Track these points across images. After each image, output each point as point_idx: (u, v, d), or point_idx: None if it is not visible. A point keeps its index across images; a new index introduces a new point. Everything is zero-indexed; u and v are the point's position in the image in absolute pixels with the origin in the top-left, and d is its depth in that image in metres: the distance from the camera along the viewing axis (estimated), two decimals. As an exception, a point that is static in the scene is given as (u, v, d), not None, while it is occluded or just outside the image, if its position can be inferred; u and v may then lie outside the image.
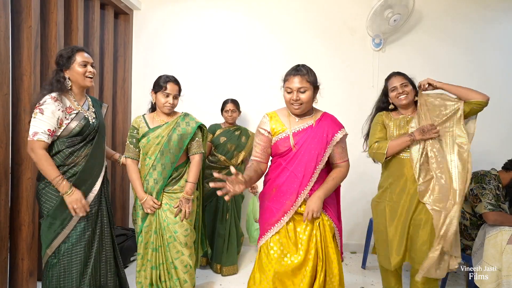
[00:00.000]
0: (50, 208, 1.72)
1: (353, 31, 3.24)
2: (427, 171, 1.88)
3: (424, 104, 1.97)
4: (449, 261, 1.83)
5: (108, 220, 1.92)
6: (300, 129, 1.68)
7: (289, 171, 1.66)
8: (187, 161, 2.12)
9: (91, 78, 1.81)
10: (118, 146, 3.30)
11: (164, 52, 3.40)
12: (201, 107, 3.20)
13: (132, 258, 2.90)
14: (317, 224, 1.65)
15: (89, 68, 1.80)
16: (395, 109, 2.07)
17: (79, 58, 1.77)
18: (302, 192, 1.64)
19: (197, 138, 2.11)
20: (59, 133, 1.71)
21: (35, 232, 2.24)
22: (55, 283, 1.73)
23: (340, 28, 3.25)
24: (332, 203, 1.76)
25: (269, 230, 1.68)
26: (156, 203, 1.99)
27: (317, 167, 1.64)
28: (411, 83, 2.02)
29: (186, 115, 2.13)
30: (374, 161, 2.13)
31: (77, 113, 1.76)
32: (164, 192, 2.03)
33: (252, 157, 1.76)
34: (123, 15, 3.35)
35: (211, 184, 1.42)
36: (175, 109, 2.11)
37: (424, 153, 1.88)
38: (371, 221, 2.86)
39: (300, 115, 1.71)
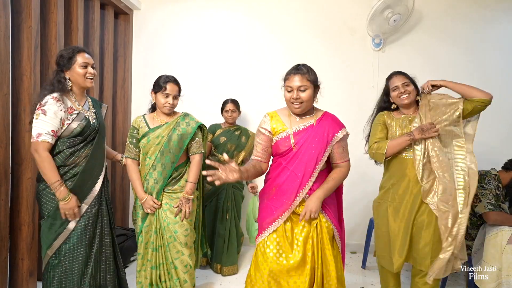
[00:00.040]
0: (50, 209, 1.73)
1: (353, 31, 3.24)
2: (430, 170, 1.86)
3: (427, 104, 1.96)
4: (453, 262, 1.83)
5: (108, 220, 1.92)
6: (301, 129, 1.68)
7: (289, 170, 1.66)
8: (187, 161, 2.12)
9: (91, 79, 1.81)
10: (118, 146, 3.30)
11: (164, 52, 3.40)
12: (201, 107, 3.20)
13: (132, 258, 2.90)
14: (315, 225, 1.64)
15: (90, 69, 1.80)
16: (397, 108, 2.05)
17: (80, 59, 1.77)
18: (301, 191, 1.64)
19: (197, 138, 2.11)
20: (60, 134, 1.71)
21: (35, 232, 2.24)
22: (56, 284, 1.73)
23: (340, 28, 3.25)
24: (332, 203, 1.75)
25: (266, 229, 1.68)
26: (156, 203, 1.99)
27: (317, 166, 1.64)
28: (413, 82, 2.01)
29: (186, 115, 2.13)
30: (376, 163, 2.11)
31: (78, 114, 1.76)
32: (164, 192, 2.03)
33: (252, 156, 1.76)
34: (123, 15, 3.35)
35: (204, 172, 1.42)
36: (175, 109, 2.11)
37: (426, 152, 1.87)
38: (371, 221, 2.86)
39: (300, 115, 1.71)
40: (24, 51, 2.17)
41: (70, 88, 1.79)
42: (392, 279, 2.06)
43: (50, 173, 1.66)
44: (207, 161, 1.44)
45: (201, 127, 2.15)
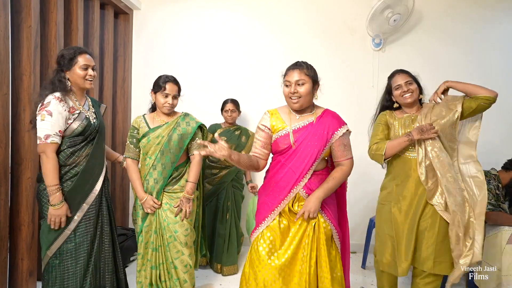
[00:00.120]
0: (51, 209, 1.72)
1: (353, 31, 3.24)
2: (434, 171, 1.82)
3: (431, 106, 1.93)
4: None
5: (108, 220, 1.91)
6: (300, 126, 1.67)
7: (287, 167, 1.65)
8: (187, 160, 2.12)
9: (91, 81, 1.81)
10: (118, 146, 3.30)
11: (164, 52, 3.40)
12: (201, 107, 3.20)
13: (132, 258, 2.90)
14: (312, 224, 1.64)
15: (90, 71, 1.80)
16: (399, 107, 2.01)
17: (81, 60, 1.77)
18: (295, 187, 1.63)
19: (197, 138, 2.10)
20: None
21: (34, 232, 2.24)
22: (58, 284, 1.73)
23: (340, 28, 3.25)
24: (331, 203, 1.73)
25: (260, 224, 1.69)
26: (156, 203, 1.99)
27: (314, 163, 1.63)
28: (416, 80, 1.97)
29: (186, 115, 2.13)
30: (383, 166, 2.06)
31: (79, 113, 1.76)
32: (164, 191, 2.03)
33: (251, 153, 1.76)
34: (123, 15, 3.35)
35: (198, 153, 1.45)
36: (175, 109, 2.11)
37: (426, 153, 1.84)
38: (371, 221, 2.86)
39: (300, 112, 1.70)
40: (24, 51, 2.17)
41: (70, 88, 1.78)
42: (391, 282, 2.02)
43: (52, 176, 1.65)
44: (199, 141, 1.45)
45: (201, 127, 2.15)
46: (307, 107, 1.70)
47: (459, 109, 1.83)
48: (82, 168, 1.76)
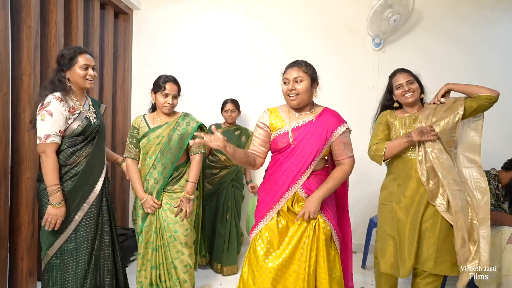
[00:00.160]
0: (51, 209, 1.72)
1: (353, 31, 3.24)
2: (435, 172, 1.81)
3: (432, 107, 1.91)
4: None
5: (108, 220, 1.91)
6: (300, 125, 1.67)
7: (285, 165, 1.65)
8: (188, 160, 2.12)
9: (91, 81, 1.81)
10: (118, 146, 3.30)
11: (164, 52, 3.40)
12: (201, 107, 3.20)
13: (132, 258, 2.90)
14: (313, 224, 1.64)
15: (90, 71, 1.80)
16: (400, 107, 2.00)
17: (82, 60, 1.77)
18: (293, 185, 1.63)
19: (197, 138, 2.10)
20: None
21: (34, 232, 2.24)
22: (59, 284, 1.73)
23: (340, 28, 3.25)
24: (331, 204, 1.73)
25: (259, 222, 1.69)
26: (156, 203, 1.99)
27: (313, 162, 1.63)
28: (417, 80, 1.95)
29: (186, 115, 2.13)
30: (386, 164, 2.05)
31: (79, 113, 1.76)
32: (164, 191, 2.03)
33: (248, 150, 1.77)
34: (123, 14, 3.35)
35: (193, 141, 1.49)
36: (176, 109, 2.11)
37: (426, 154, 1.83)
38: (371, 221, 2.86)
39: (299, 110, 1.70)
40: (24, 50, 2.17)
41: (70, 87, 1.78)
42: (391, 283, 2.01)
43: (52, 175, 1.65)
44: (195, 133, 1.46)
45: (201, 127, 2.15)
46: (306, 105, 1.70)
47: (461, 111, 1.82)
48: (82, 168, 1.76)
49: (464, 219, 1.75)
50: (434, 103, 1.94)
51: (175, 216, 2.01)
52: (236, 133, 2.82)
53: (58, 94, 1.69)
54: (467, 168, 1.89)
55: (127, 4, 3.24)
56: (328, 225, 1.67)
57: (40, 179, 1.75)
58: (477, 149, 1.89)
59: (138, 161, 2.08)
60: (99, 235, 1.85)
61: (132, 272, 2.24)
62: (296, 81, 1.62)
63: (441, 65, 3.16)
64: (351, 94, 3.24)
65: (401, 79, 1.93)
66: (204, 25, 3.36)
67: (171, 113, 2.07)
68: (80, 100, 1.82)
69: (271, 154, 1.79)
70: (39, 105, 1.68)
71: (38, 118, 1.65)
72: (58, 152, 1.71)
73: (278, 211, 1.66)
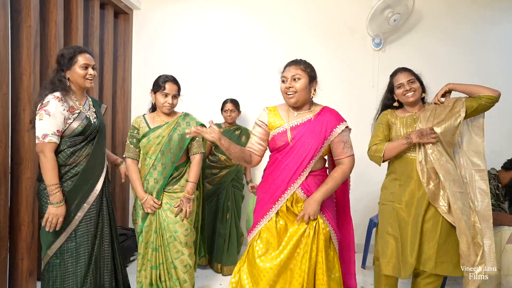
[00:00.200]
0: (51, 208, 1.72)
1: (353, 31, 3.24)
2: (436, 173, 1.80)
3: (433, 108, 1.90)
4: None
5: (108, 220, 1.91)
6: (298, 123, 1.67)
7: (284, 164, 1.65)
8: (188, 160, 2.12)
9: (91, 80, 1.81)
10: (118, 146, 3.30)
11: (164, 52, 3.40)
12: (201, 107, 3.20)
13: (132, 258, 2.90)
14: (313, 225, 1.63)
15: (90, 70, 1.80)
16: (401, 106, 1.99)
17: (81, 59, 1.77)
18: (292, 185, 1.63)
19: (197, 138, 2.10)
20: (62, 133, 1.71)
21: (34, 232, 2.24)
22: (59, 284, 1.73)
23: (340, 28, 3.25)
24: (330, 205, 1.72)
25: (258, 222, 1.68)
26: (156, 203, 1.99)
27: (311, 161, 1.63)
28: (418, 79, 1.94)
29: (186, 115, 2.13)
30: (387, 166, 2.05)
31: (79, 113, 1.76)
32: (164, 191, 2.03)
33: (246, 147, 1.76)
34: (123, 14, 3.35)
35: (189, 130, 1.52)
36: (176, 109, 2.10)
37: (426, 155, 1.82)
38: (371, 221, 2.86)
39: (298, 109, 1.70)
40: (24, 50, 2.17)
41: (70, 87, 1.78)
42: (390, 284, 1.99)
43: (51, 175, 1.65)
44: (186, 130, 1.47)
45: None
46: (305, 104, 1.69)
47: (463, 114, 1.81)
48: (82, 168, 1.76)
49: (466, 222, 1.75)
50: (434, 103, 1.94)
51: (175, 216, 2.01)
52: (236, 133, 2.82)
53: (57, 94, 1.69)
54: (470, 170, 1.88)
55: (127, 4, 3.24)
56: (327, 226, 1.66)
57: (40, 178, 1.75)
58: (481, 155, 1.88)
59: (138, 161, 2.08)
60: (99, 235, 1.85)
61: (132, 272, 2.24)
62: (294, 79, 1.62)
63: (441, 65, 3.16)
64: (351, 94, 3.24)
65: (402, 78, 1.92)
66: (204, 25, 3.36)
67: (171, 113, 2.07)
68: (80, 100, 1.82)
69: (270, 153, 1.78)
70: (39, 105, 1.68)
71: (37, 117, 1.66)
72: (58, 152, 1.71)
73: (277, 211, 1.66)
